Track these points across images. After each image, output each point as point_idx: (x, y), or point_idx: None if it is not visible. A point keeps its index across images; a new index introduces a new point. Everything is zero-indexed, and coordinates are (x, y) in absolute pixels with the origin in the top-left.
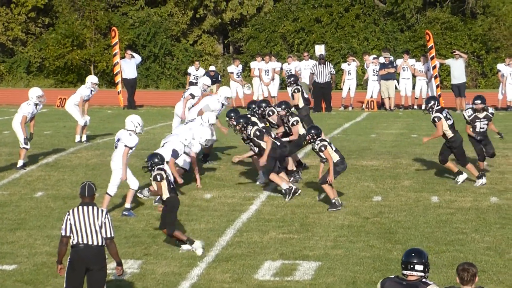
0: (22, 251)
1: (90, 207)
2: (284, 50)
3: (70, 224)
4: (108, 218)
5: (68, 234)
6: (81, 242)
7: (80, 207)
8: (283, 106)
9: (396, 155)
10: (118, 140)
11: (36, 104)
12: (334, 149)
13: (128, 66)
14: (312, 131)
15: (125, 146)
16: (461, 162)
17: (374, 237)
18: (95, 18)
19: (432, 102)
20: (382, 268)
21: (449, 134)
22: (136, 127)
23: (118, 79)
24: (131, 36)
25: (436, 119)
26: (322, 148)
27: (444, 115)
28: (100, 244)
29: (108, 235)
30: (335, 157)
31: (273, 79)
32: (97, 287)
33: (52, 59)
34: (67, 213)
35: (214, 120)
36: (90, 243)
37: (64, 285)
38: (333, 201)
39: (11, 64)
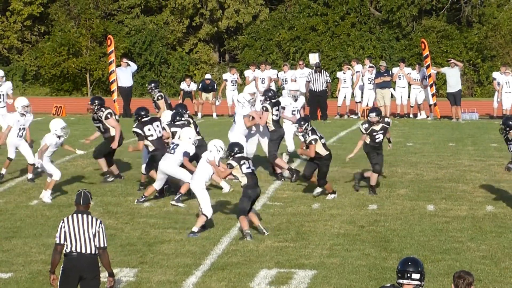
0: (17, 259)
1: (85, 215)
2: (279, 59)
3: (65, 232)
4: (102, 227)
5: (62, 242)
6: (74, 251)
7: (75, 215)
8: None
9: (392, 164)
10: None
11: (23, 114)
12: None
13: (123, 75)
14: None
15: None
16: None
17: (369, 246)
18: (90, 26)
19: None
20: (377, 277)
21: None
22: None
23: (113, 87)
24: (127, 44)
25: None
26: (312, 142)
27: None
28: (93, 252)
29: (101, 245)
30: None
31: (268, 87)
32: None
33: (48, 67)
34: (62, 221)
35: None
36: (83, 251)
37: None
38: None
39: (7, 73)
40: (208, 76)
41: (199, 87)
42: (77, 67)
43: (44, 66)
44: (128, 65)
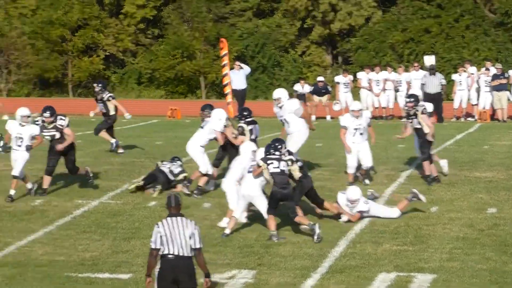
0: (137, 260)
1: (179, 218)
2: (393, 61)
3: (161, 237)
4: (197, 228)
5: (158, 246)
6: (171, 253)
7: (169, 219)
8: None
9: (510, 167)
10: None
11: (22, 125)
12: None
13: (237, 77)
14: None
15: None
16: None
17: (489, 250)
18: (203, 30)
19: None
20: (498, 281)
21: None
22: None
23: (227, 90)
24: (240, 47)
25: None
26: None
27: None
28: (189, 255)
29: (197, 246)
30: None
31: (383, 89)
32: None
33: (163, 70)
34: (156, 226)
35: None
36: (180, 254)
37: None
38: None
39: (122, 75)
40: (320, 78)
41: (312, 90)
42: (191, 70)
43: (159, 69)
44: (241, 68)
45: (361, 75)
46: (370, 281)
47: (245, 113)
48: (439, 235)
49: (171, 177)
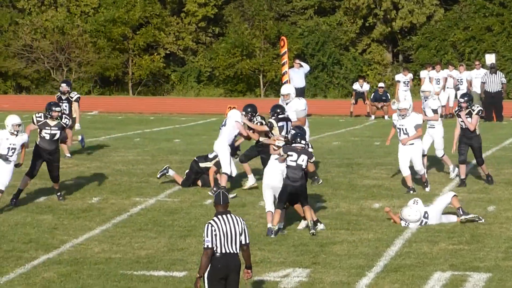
0: (192, 258)
1: (228, 216)
2: (454, 59)
3: (215, 235)
4: (245, 225)
5: (212, 245)
6: (224, 251)
7: (220, 217)
8: None
9: None
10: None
11: (13, 133)
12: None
13: (296, 76)
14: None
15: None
16: None
17: None
18: (264, 28)
19: None
20: None
21: None
22: None
23: None
24: (300, 45)
25: None
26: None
27: None
28: (238, 251)
29: (247, 241)
30: None
31: (443, 88)
32: None
33: (222, 68)
34: (209, 225)
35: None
36: (231, 251)
37: None
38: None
39: (182, 74)
40: (381, 84)
41: (372, 97)
42: (250, 69)
43: (218, 67)
44: (301, 66)
45: (423, 73)
46: (425, 280)
47: (278, 110)
48: (495, 234)
49: (203, 163)
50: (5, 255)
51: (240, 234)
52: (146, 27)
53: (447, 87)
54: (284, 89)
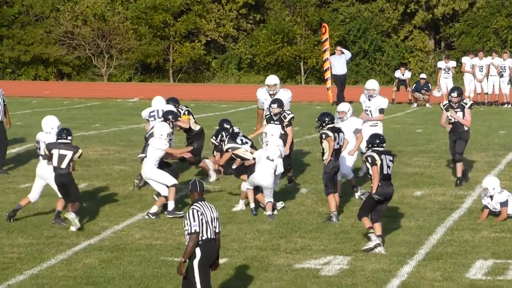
0: (232, 244)
1: (206, 203)
2: (497, 46)
3: (201, 219)
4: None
5: (199, 230)
6: (209, 237)
7: (201, 203)
8: None
9: None
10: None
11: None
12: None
13: (338, 62)
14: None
15: None
16: None
17: None
18: (305, 14)
19: None
20: None
21: None
22: None
23: (327, 75)
24: (341, 32)
25: None
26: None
27: None
28: (215, 237)
29: (220, 229)
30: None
31: (486, 75)
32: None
33: (263, 55)
34: (195, 210)
35: None
36: (213, 237)
37: (199, 285)
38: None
39: (223, 61)
40: (423, 76)
41: (413, 88)
42: (291, 55)
43: (259, 54)
44: (342, 53)
45: (465, 59)
46: (467, 268)
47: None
48: None
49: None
50: (46, 241)
51: (216, 222)
52: (187, 14)
53: (491, 75)
54: (271, 80)
